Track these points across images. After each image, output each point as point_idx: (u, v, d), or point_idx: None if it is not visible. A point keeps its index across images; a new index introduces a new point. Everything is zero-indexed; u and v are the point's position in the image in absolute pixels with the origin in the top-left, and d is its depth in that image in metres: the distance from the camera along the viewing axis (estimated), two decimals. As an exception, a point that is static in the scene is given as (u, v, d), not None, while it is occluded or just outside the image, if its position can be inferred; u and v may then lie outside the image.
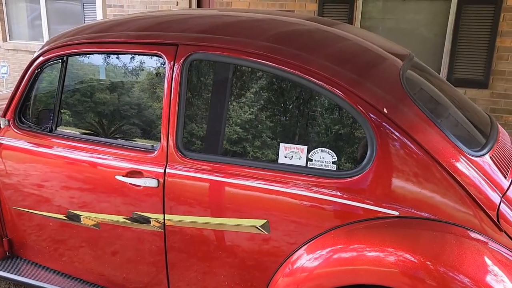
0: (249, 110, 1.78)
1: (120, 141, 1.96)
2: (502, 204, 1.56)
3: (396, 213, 1.58)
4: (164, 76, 1.81)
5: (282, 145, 1.70)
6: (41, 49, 2.11)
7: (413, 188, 1.57)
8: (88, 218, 2.01)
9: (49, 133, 2.07)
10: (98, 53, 1.99)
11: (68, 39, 2.03)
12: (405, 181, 1.58)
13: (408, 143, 1.57)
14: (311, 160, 1.67)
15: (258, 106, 1.78)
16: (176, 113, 1.79)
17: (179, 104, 1.79)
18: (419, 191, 1.57)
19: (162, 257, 1.90)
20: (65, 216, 2.07)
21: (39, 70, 2.09)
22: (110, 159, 1.92)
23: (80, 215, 2.02)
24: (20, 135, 2.13)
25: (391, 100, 1.63)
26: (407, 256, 1.46)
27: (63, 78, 2.04)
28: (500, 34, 4.30)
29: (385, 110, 1.59)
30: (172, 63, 1.80)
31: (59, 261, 2.20)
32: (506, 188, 1.62)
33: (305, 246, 1.66)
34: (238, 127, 1.78)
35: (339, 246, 1.59)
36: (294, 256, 1.67)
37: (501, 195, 1.58)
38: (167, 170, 1.81)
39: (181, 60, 1.78)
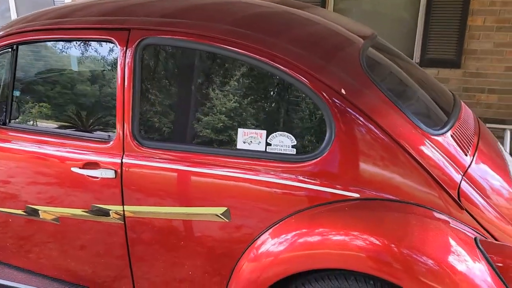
0: (207, 96, 1.73)
1: (76, 132, 1.90)
2: (463, 182, 1.55)
3: (357, 195, 1.56)
4: (117, 63, 1.74)
5: (240, 130, 1.66)
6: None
7: (373, 169, 1.55)
8: (47, 212, 1.94)
9: (2, 126, 1.99)
10: (51, 41, 1.90)
11: (20, 26, 1.94)
12: (365, 162, 1.55)
13: (367, 124, 1.54)
14: (270, 144, 1.63)
15: (216, 92, 1.73)
16: (131, 101, 1.72)
17: (133, 91, 1.72)
18: (379, 172, 1.54)
19: (124, 249, 1.86)
20: (24, 212, 2.00)
21: (-13, 60, 2.00)
22: (65, 151, 1.85)
23: (39, 210, 1.95)
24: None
25: (349, 80, 1.59)
26: (372, 239, 1.44)
27: (14, 68, 1.95)
28: (472, 12, 4.29)
29: (343, 91, 1.55)
30: (124, 48, 1.72)
31: (23, 258, 2.13)
32: (467, 165, 1.61)
33: (270, 231, 1.63)
34: (196, 114, 1.72)
35: (303, 230, 1.57)
36: (259, 241, 1.64)
37: (462, 173, 1.57)
38: (124, 160, 1.75)
39: (134, 46, 1.71)
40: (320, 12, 2.06)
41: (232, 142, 1.67)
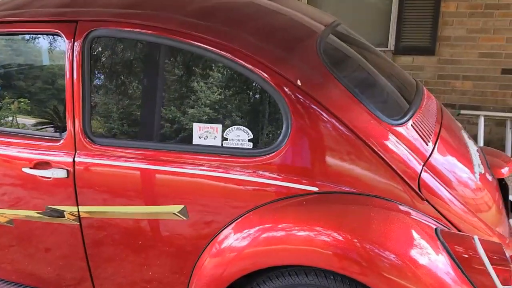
0: (159, 90, 1.66)
1: (25, 129, 1.81)
2: (423, 172, 1.52)
3: (316, 188, 1.52)
4: (65, 56, 1.65)
5: (196, 125, 1.59)
6: None
7: (331, 162, 1.51)
8: (0, 215, 1.86)
9: None
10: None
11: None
12: (323, 155, 1.51)
13: (325, 116, 1.50)
14: (226, 139, 1.57)
15: (169, 85, 1.66)
16: (80, 96, 1.65)
17: (82, 86, 1.64)
18: (337, 164, 1.50)
19: (82, 251, 1.79)
20: (-24, 215, 1.91)
21: None
22: (15, 150, 1.77)
23: (-8, 213, 1.87)
24: None
25: (305, 71, 1.54)
26: (335, 234, 1.41)
27: None
28: (445, -2, 4.28)
29: (298, 82, 1.50)
30: (71, 41, 1.64)
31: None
32: (427, 155, 1.58)
33: (232, 225, 1.58)
34: (148, 109, 1.66)
35: (266, 225, 1.52)
36: (221, 236, 1.59)
37: (422, 163, 1.54)
38: (76, 159, 1.68)
39: (81, 38, 1.63)
40: (282, 1, 2.00)
41: (187, 137, 1.61)
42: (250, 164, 1.54)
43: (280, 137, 1.52)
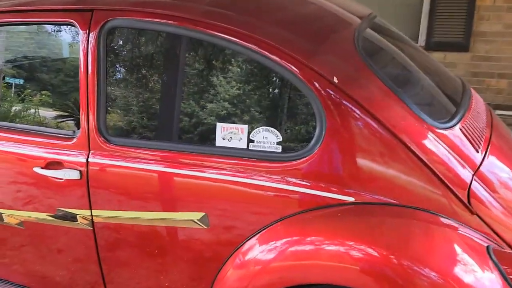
0: (181, 85, 1.53)
1: (37, 127, 1.71)
2: (473, 182, 1.36)
3: (352, 199, 1.37)
4: (79, 48, 1.53)
5: (219, 125, 1.45)
6: None
7: (371, 169, 1.36)
8: (11, 216, 1.76)
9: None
10: (5, 25, 1.70)
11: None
12: (361, 161, 1.36)
13: (363, 117, 1.34)
14: (252, 141, 1.43)
15: (192, 80, 1.53)
16: (95, 91, 1.52)
17: (98, 81, 1.52)
18: (377, 172, 1.35)
19: (95, 256, 1.68)
20: (-14, 215, 1.82)
21: None
22: (27, 149, 1.66)
23: (2, 213, 1.78)
24: None
25: (342, 67, 1.39)
26: (370, 250, 1.27)
27: None
28: (481, -8, 4.04)
29: (335, 79, 1.35)
30: (87, 32, 1.52)
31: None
32: (478, 163, 1.41)
33: (257, 236, 1.45)
34: (169, 107, 1.53)
35: (295, 238, 1.39)
36: (246, 246, 1.46)
37: (472, 172, 1.37)
38: (89, 159, 1.56)
39: (97, 28, 1.51)
40: None
41: (209, 138, 1.47)
42: (278, 170, 1.40)
43: (313, 140, 1.37)
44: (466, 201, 1.34)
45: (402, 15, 4.39)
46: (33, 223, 1.73)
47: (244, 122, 1.44)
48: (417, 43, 4.32)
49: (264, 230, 1.44)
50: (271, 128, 1.41)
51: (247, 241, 1.46)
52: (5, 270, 1.93)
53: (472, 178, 1.36)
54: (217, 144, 1.46)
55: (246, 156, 1.43)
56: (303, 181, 1.38)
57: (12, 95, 1.84)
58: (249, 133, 1.43)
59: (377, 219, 1.37)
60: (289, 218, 1.42)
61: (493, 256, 1.29)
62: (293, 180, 1.39)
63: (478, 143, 1.47)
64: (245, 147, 1.44)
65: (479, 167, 1.40)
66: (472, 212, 1.34)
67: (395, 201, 1.36)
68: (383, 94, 1.38)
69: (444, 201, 1.35)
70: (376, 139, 1.34)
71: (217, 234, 1.49)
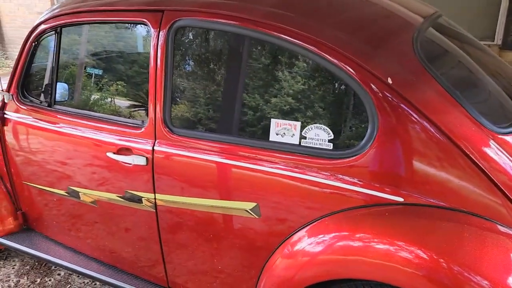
0: (241, 83, 1.61)
1: (112, 116, 1.88)
2: None
3: (401, 199, 1.37)
4: (151, 45, 1.67)
5: (273, 121, 1.52)
6: (38, 20, 2.04)
7: (420, 170, 1.35)
8: (86, 195, 1.96)
9: (47, 108, 2.03)
10: (88, 23, 1.89)
11: (61, 9, 1.94)
12: (410, 162, 1.36)
13: (417, 118, 1.34)
14: (305, 137, 1.48)
15: (251, 78, 1.60)
16: (162, 85, 1.65)
17: (165, 75, 1.65)
18: (428, 173, 1.34)
19: (156, 236, 1.83)
20: (66, 192, 2.04)
21: (36, 42, 2.03)
22: (102, 135, 1.84)
23: (79, 192, 1.98)
24: (22, 110, 2.10)
25: (397, 67, 1.39)
26: (419, 252, 1.26)
27: (58, 51, 1.97)
28: None
29: (389, 80, 1.36)
30: (157, 31, 1.65)
31: (65, 236, 2.20)
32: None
33: (307, 228, 1.50)
34: (228, 103, 1.62)
35: (344, 233, 1.42)
36: (295, 237, 1.52)
37: (533, 180, 1.31)
38: (155, 147, 1.70)
39: (167, 28, 1.63)
40: None
41: (264, 133, 1.54)
42: (328, 166, 1.44)
43: (364, 139, 1.39)
44: None
45: (477, 11, 4.16)
46: (105, 202, 1.91)
47: (297, 119, 1.49)
48: (493, 41, 4.08)
49: (313, 223, 1.48)
50: (323, 126, 1.45)
51: (296, 232, 1.51)
52: (80, 243, 2.15)
53: None
54: (270, 139, 1.53)
55: (298, 152, 1.48)
56: (353, 178, 1.41)
57: (92, 84, 2.03)
58: (301, 129, 1.48)
59: (428, 221, 1.36)
60: (338, 214, 1.45)
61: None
62: (343, 177, 1.42)
63: None
64: (297, 143, 1.49)
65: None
66: None
67: (445, 204, 1.34)
68: (441, 97, 1.36)
69: (502, 207, 1.30)
70: (428, 141, 1.33)
71: (268, 224, 1.56)
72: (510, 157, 1.32)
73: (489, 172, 1.30)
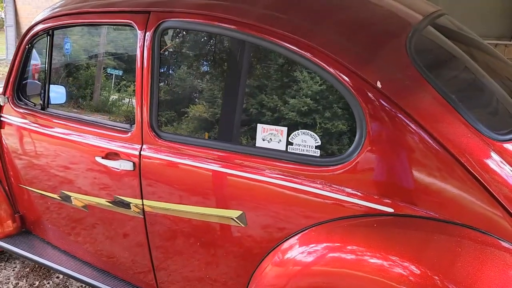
0: (228, 86, 1.55)
1: (101, 119, 1.85)
2: None
3: (390, 209, 1.30)
4: (137, 48, 1.63)
5: (260, 126, 1.46)
6: (31, 23, 2.03)
7: (412, 179, 1.27)
8: (78, 199, 1.94)
9: (40, 111, 2.01)
10: (76, 25, 1.86)
11: (52, 12, 1.92)
12: (402, 171, 1.28)
13: (409, 125, 1.26)
14: (291, 143, 1.42)
15: (238, 82, 1.54)
16: (149, 88, 1.61)
17: (151, 78, 1.60)
18: (420, 183, 1.26)
19: (145, 243, 1.79)
20: (59, 196, 2.02)
21: (29, 45, 2.02)
22: (91, 139, 1.81)
23: (71, 196, 1.96)
24: (16, 113, 2.10)
25: (388, 71, 1.31)
26: (412, 267, 1.19)
27: (50, 53, 1.95)
28: None
29: (378, 83, 1.28)
30: (143, 32, 1.60)
31: (60, 240, 2.19)
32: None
33: (298, 236, 1.43)
34: (216, 107, 1.56)
35: (336, 244, 1.35)
36: (285, 245, 1.45)
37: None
38: (142, 152, 1.66)
39: (152, 29, 1.59)
40: None
41: (251, 139, 1.48)
42: (316, 174, 1.37)
43: (352, 147, 1.32)
44: None
45: (494, 8, 4.00)
46: (95, 207, 1.88)
47: (283, 124, 1.43)
48: (510, 40, 3.91)
49: (304, 232, 1.42)
50: (310, 132, 1.39)
51: (285, 240, 1.46)
52: (73, 247, 2.13)
53: None
54: (257, 145, 1.47)
55: (285, 159, 1.42)
56: (340, 187, 1.34)
57: (83, 87, 2.00)
58: (288, 135, 1.42)
59: (421, 234, 1.28)
60: (328, 223, 1.38)
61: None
62: (331, 185, 1.35)
63: None
64: (284, 149, 1.43)
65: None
66: None
67: (439, 216, 1.26)
68: (434, 102, 1.28)
69: (500, 219, 1.22)
70: (421, 149, 1.25)
71: (255, 233, 1.50)
72: (505, 163, 1.23)
73: (485, 182, 1.21)
